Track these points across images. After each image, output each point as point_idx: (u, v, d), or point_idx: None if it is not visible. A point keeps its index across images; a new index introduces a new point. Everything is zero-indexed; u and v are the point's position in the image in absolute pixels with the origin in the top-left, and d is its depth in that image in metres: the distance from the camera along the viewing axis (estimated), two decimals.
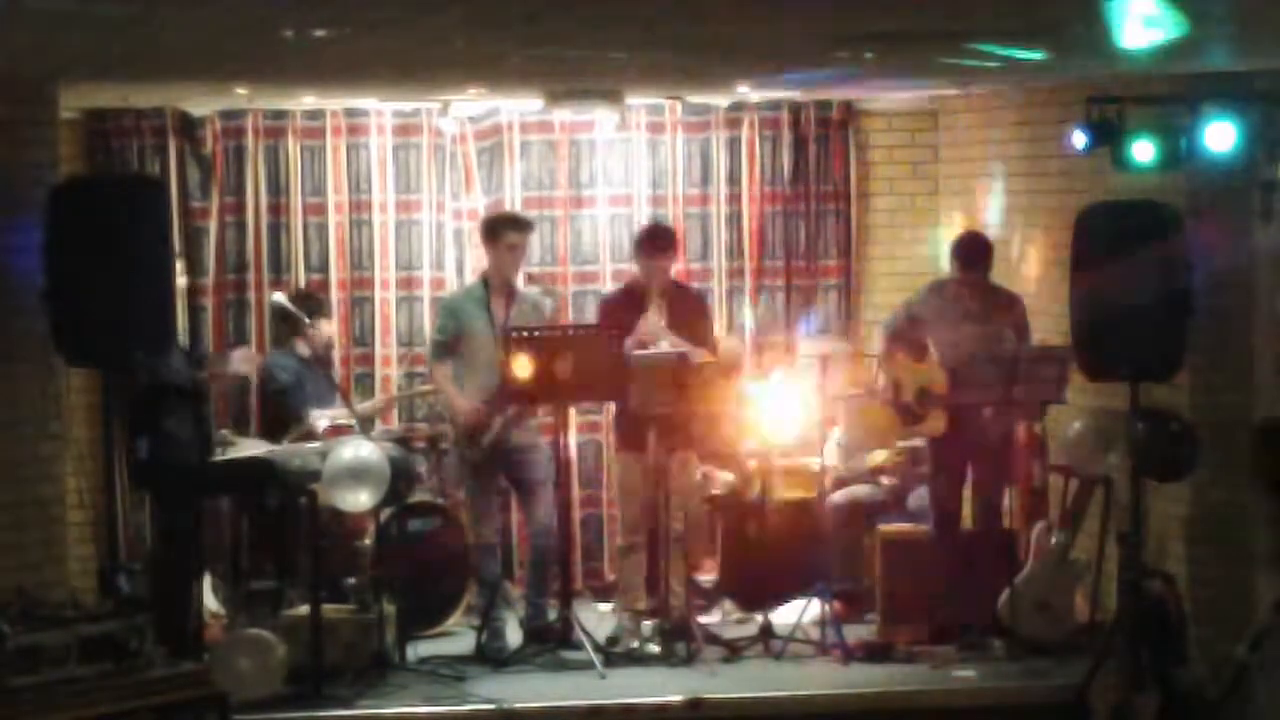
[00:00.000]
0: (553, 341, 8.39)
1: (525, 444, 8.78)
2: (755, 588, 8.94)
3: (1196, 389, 8.14)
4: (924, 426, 8.71)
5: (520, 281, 8.95)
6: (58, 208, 7.41)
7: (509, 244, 8.75)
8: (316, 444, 8.45)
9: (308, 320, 9.03)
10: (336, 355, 9.91)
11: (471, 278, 10.03)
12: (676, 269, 9.53)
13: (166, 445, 7.60)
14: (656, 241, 8.97)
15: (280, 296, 9.25)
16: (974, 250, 8.80)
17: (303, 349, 9.22)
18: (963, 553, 8.65)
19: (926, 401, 8.61)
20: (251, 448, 8.55)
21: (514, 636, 8.66)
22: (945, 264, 10.29)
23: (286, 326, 9.27)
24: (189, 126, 9.90)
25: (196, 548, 8.09)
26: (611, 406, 9.46)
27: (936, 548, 8.71)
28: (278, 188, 10.00)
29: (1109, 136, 7.78)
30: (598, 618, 9.04)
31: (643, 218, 10.03)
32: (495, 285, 8.80)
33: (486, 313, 8.73)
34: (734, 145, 10.32)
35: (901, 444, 9.24)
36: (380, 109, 10.00)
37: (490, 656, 8.45)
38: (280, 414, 9.17)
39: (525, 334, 8.38)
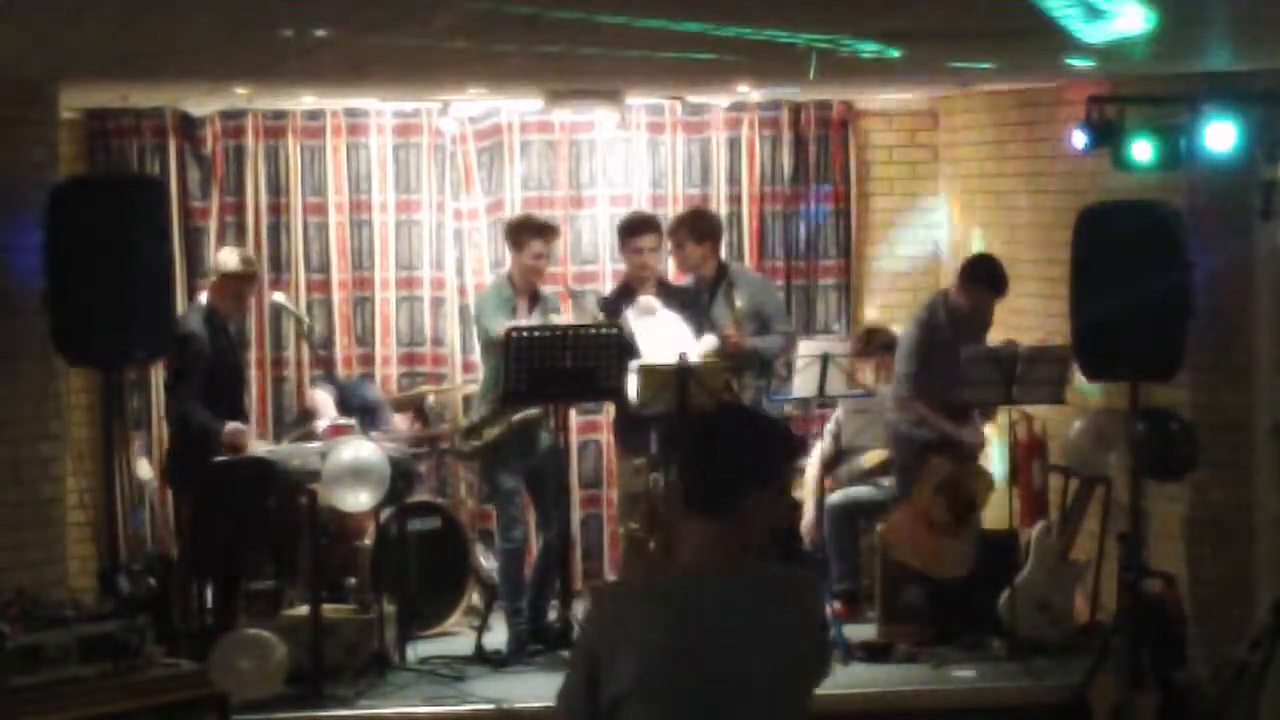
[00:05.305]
0: (552, 341, 8.38)
1: (551, 447, 8.78)
2: None
3: (1196, 389, 8.14)
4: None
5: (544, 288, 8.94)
6: (58, 208, 7.41)
7: (534, 253, 8.68)
8: (316, 444, 8.45)
9: (306, 321, 9.00)
10: (338, 354, 9.92)
11: (472, 278, 10.04)
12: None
13: None
14: (620, 226, 9.14)
15: (280, 296, 9.25)
16: (993, 272, 8.72)
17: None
18: None
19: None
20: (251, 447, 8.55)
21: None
22: (945, 263, 10.32)
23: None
24: (189, 126, 9.89)
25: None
26: (611, 407, 9.44)
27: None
28: (278, 188, 10.00)
29: (1109, 136, 7.75)
30: None
31: None
32: (520, 287, 8.77)
33: (513, 314, 8.70)
34: (734, 145, 10.31)
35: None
36: (380, 109, 10.00)
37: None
38: None
39: (525, 334, 8.35)
